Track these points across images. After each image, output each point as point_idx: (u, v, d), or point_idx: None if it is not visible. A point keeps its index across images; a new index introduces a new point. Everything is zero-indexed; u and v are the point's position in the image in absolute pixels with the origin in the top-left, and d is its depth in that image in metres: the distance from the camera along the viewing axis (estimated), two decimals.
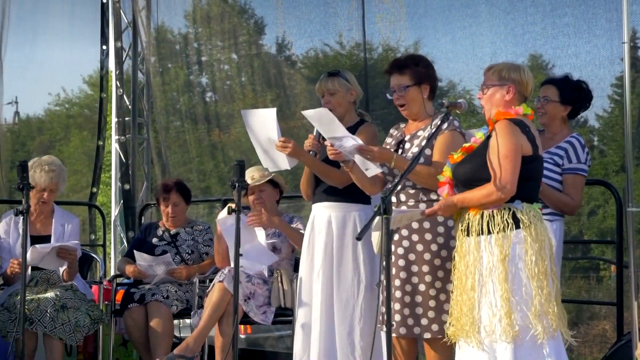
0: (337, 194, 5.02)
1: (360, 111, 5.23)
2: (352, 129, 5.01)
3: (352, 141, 4.49)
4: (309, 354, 5.06)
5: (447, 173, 4.30)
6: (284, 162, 4.99)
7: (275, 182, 5.99)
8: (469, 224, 4.17)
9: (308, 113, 4.66)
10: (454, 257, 4.27)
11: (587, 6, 6.51)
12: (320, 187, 5.11)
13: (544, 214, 4.43)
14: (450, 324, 4.26)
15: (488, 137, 4.19)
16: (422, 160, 4.47)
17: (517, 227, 4.08)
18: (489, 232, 4.10)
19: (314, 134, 4.95)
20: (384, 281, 4.41)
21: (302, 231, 5.78)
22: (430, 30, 7.46)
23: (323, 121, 4.59)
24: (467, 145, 4.30)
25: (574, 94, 5.05)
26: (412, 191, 4.57)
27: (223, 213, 5.65)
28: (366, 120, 5.17)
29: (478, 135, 4.28)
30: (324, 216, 5.08)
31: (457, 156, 4.27)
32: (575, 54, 6.58)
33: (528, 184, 4.15)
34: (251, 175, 5.94)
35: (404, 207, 4.55)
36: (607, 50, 6.41)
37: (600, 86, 6.54)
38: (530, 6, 6.88)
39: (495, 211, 4.11)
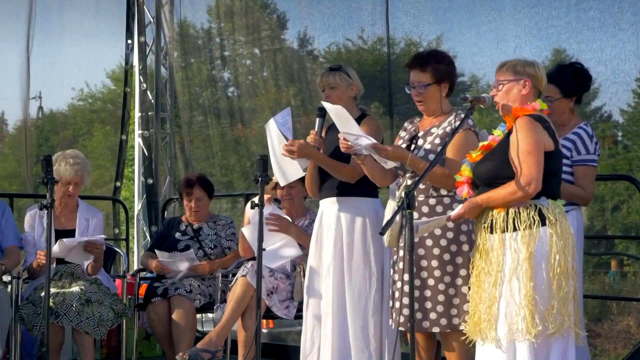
0: (344, 189, 5.01)
1: (361, 107, 5.22)
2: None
3: (366, 140, 4.51)
4: (318, 349, 5.05)
5: (465, 172, 4.26)
6: (295, 171, 5.01)
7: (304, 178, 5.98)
8: (492, 220, 4.13)
9: (327, 105, 4.67)
10: (475, 253, 4.25)
11: (612, 0, 6.46)
12: (327, 183, 5.09)
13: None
14: (466, 320, 4.26)
15: (508, 134, 4.16)
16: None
17: (543, 224, 4.05)
18: (515, 229, 4.07)
19: (315, 129, 4.95)
20: (399, 276, 4.43)
21: None
22: (455, 24, 7.44)
23: (340, 117, 4.60)
24: (485, 143, 4.25)
25: (574, 82, 4.97)
26: (422, 186, 4.57)
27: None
28: (367, 114, 5.16)
29: (496, 133, 4.24)
30: (332, 211, 5.06)
31: (476, 155, 4.23)
32: (600, 48, 6.53)
33: (551, 180, 4.12)
34: None
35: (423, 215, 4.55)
36: (633, 45, 6.36)
37: (625, 80, 6.50)
38: (554, 0, 6.84)
39: (521, 208, 4.08)
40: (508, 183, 4.05)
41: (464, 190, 4.25)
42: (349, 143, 4.56)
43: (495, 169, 4.14)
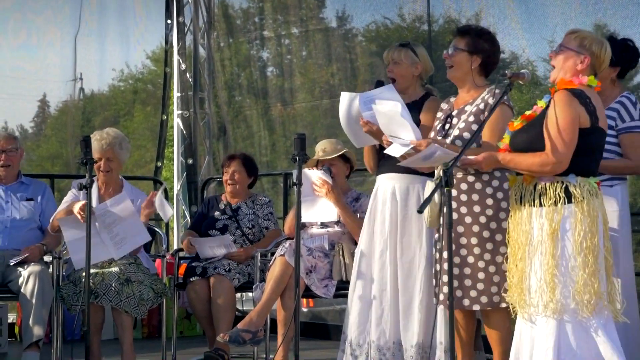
0: (398, 165, 4.98)
1: (428, 86, 5.20)
2: (417, 103, 5.04)
3: (407, 142, 4.53)
4: (368, 325, 5.04)
5: (506, 140, 4.26)
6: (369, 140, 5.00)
7: (347, 157, 5.97)
8: (522, 193, 4.13)
9: (378, 108, 4.65)
10: (509, 225, 4.24)
11: None
12: (385, 159, 5.07)
13: (605, 181, 4.35)
14: (506, 292, 4.27)
15: (547, 107, 4.12)
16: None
17: (569, 201, 4.03)
18: (541, 205, 4.05)
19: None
20: (439, 254, 4.41)
21: (362, 215, 5.78)
22: (495, 0, 7.36)
23: (389, 117, 4.58)
24: (528, 113, 4.23)
25: (622, 54, 4.87)
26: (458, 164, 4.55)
27: (312, 172, 5.72)
28: (433, 94, 5.12)
29: (540, 104, 4.21)
30: (388, 187, 5.08)
31: (517, 124, 4.22)
32: None
33: (584, 158, 4.08)
34: (323, 148, 5.94)
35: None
36: None
37: None
38: None
39: (547, 184, 4.06)
40: (537, 153, 4.03)
41: None
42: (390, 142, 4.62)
43: (529, 141, 4.12)
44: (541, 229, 4.04)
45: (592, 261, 3.99)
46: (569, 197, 4.03)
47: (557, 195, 4.03)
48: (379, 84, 5.01)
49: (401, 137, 4.57)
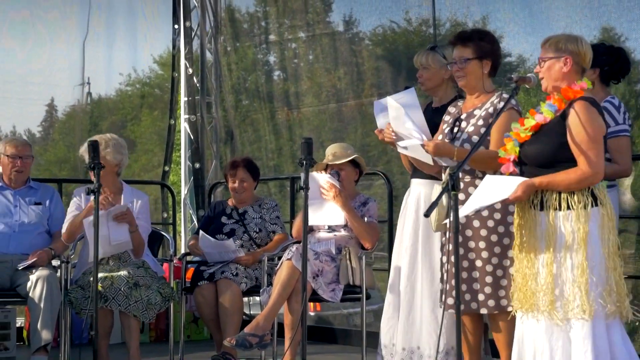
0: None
1: (460, 88, 5.18)
2: (448, 106, 5.01)
3: (416, 141, 4.53)
4: (396, 329, 5.08)
5: (512, 151, 4.22)
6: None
7: (356, 162, 5.97)
8: (542, 198, 4.11)
9: (391, 102, 4.65)
10: (520, 230, 4.21)
11: None
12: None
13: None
14: (513, 295, 4.25)
15: (562, 117, 4.11)
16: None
17: (596, 204, 4.07)
18: (568, 208, 4.06)
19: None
20: (446, 258, 4.41)
21: (369, 219, 5.78)
22: (501, 3, 7.36)
23: (398, 113, 4.59)
24: (533, 123, 4.19)
25: (601, 57, 4.87)
26: (467, 167, 4.57)
27: (320, 175, 5.73)
28: (464, 97, 5.10)
29: (545, 113, 4.18)
30: (415, 192, 5.11)
31: (525, 135, 4.19)
32: None
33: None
34: (333, 152, 5.94)
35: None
36: None
37: None
38: None
39: None
40: (572, 169, 4.04)
41: (509, 168, 4.22)
42: (391, 135, 4.60)
43: (551, 151, 4.11)
44: (571, 232, 4.04)
45: (617, 263, 4.06)
46: (595, 200, 4.08)
47: (586, 199, 4.06)
48: (407, 89, 5.00)
49: (407, 127, 4.58)
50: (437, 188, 4.53)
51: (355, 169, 5.99)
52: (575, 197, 4.06)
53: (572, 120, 4.06)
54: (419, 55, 5.17)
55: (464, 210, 4.22)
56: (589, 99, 4.10)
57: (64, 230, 5.89)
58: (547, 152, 4.12)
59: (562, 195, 4.08)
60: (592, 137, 4.03)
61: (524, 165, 4.22)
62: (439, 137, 4.76)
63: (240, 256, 6.12)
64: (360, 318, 5.88)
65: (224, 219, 6.40)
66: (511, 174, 4.20)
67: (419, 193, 5.07)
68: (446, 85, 5.14)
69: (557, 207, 4.08)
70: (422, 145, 4.60)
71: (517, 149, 4.21)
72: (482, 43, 4.64)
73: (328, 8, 8.97)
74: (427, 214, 4.13)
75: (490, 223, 4.50)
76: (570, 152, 4.06)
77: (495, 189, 4.13)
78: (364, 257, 5.72)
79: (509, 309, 4.38)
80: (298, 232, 5.97)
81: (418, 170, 5.08)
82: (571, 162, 4.07)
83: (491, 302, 4.48)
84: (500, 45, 4.86)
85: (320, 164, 5.88)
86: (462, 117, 4.69)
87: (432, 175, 4.92)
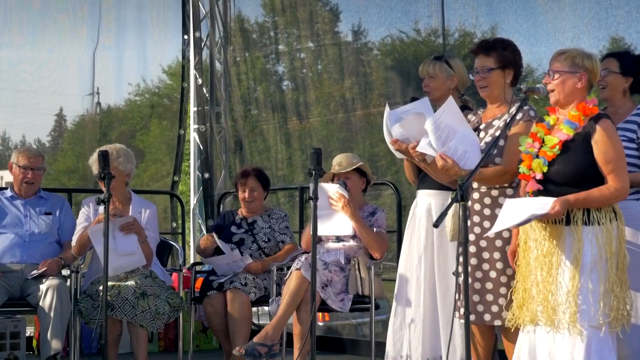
0: (437, 182, 4.94)
1: (465, 97, 5.18)
2: None
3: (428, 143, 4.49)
4: (406, 343, 5.04)
5: (538, 169, 4.19)
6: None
7: (363, 171, 5.98)
8: (569, 213, 4.11)
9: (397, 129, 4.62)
10: (540, 243, 4.19)
11: None
12: (424, 174, 5.03)
13: (631, 194, 4.39)
14: (516, 309, 4.26)
15: (586, 135, 4.12)
16: (495, 151, 4.44)
17: (616, 219, 4.12)
18: (592, 224, 4.09)
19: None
20: (461, 269, 4.40)
21: (377, 229, 5.78)
22: (510, 14, 7.38)
23: (413, 120, 4.57)
24: (556, 140, 4.18)
25: (635, 65, 4.90)
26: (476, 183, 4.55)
27: (329, 185, 5.74)
28: (469, 107, 5.10)
29: (566, 131, 4.17)
30: (424, 204, 5.07)
31: (552, 153, 4.17)
32: None
33: None
34: (339, 162, 5.97)
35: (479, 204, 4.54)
36: None
37: None
38: None
39: None
40: (604, 186, 4.09)
41: (534, 186, 4.21)
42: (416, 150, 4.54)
43: (582, 170, 4.13)
44: (598, 247, 4.07)
45: (626, 277, 4.14)
46: (615, 215, 4.14)
47: (611, 214, 4.12)
48: (414, 100, 4.99)
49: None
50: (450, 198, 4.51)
51: (361, 178, 6.00)
52: (603, 212, 4.10)
53: (600, 139, 4.09)
54: (425, 64, 5.15)
55: (495, 228, 4.22)
56: (609, 117, 4.16)
57: (73, 243, 5.91)
58: (578, 172, 4.13)
59: (591, 211, 4.10)
60: (619, 155, 4.10)
61: (547, 183, 4.19)
62: None
63: (249, 263, 6.14)
64: (369, 328, 5.89)
65: (233, 229, 6.41)
66: (535, 191, 4.19)
67: (429, 203, 5.04)
68: (452, 94, 5.12)
69: (586, 222, 4.10)
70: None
71: (546, 168, 4.20)
72: (505, 52, 4.61)
73: (336, 18, 9.00)
74: (436, 225, 4.11)
75: (506, 234, 4.47)
76: (597, 170, 4.10)
77: (522, 209, 4.11)
78: (372, 267, 5.73)
79: (508, 321, 4.35)
80: (307, 243, 5.97)
81: (425, 181, 5.06)
82: (598, 180, 4.11)
83: (505, 314, 4.44)
84: None
85: (327, 174, 5.89)
86: (481, 127, 4.66)
87: (442, 185, 4.90)
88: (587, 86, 4.20)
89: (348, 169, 5.93)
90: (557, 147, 4.17)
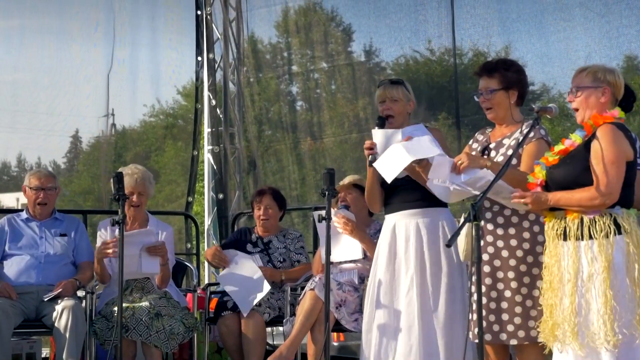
0: (420, 200, 4.96)
1: (414, 123, 5.17)
2: None
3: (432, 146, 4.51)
4: (390, 357, 5.00)
5: (540, 175, 4.23)
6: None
7: (363, 187, 5.99)
8: (565, 228, 4.10)
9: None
10: (545, 260, 4.20)
11: None
12: (397, 197, 5.05)
13: None
14: (541, 327, 4.22)
15: (589, 141, 4.12)
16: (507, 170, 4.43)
17: (619, 232, 4.04)
18: (590, 238, 4.04)
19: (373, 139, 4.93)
20: (473, 288, 4.39)
21: None
22: (523, 34, 7.41)
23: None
24: (562, 147, 4.22)
25: None
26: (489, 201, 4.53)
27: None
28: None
29: (574, 138, 4.19)
30: (410, 224, 5.01)
31: (553, 159, 4.20)
32: None
33: (628, 190, 4.11)
34: (342, 182, 6.00)
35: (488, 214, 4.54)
36: None
37: None
38: (625, 9, 6.81)
39: (596, 217, 4.06)
40: (586, 188, 4.03)
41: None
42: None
43: (575, 174, 4.11)
44: (594, 262, 4.02)
45: None
46: (618, 228, 4.04)
47: (608, 227, 4.03)
48: (380, 120, 5.00)
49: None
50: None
51: (362, 194, 6.01)
52: (597, 226, 4.04)
53: (595, 142, 4.07)
54: (386, 88, 5.10)
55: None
56: (616, 123, 4.10)
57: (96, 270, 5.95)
58: (571, 175, 4.12)
59: (585, 224, 4.05)
60: (611, 159, 4.01)
61: (549, 188, 4.20)
62: None
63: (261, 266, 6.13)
64: None
65: (249, 247, 6.42)
66: None
67: (416, 223, 4.97)
68: (408, 119, 5.13)
69: (580, 237, 4.06)
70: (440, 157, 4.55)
71: (545, 172, 4.21)
72: (508, 73, 4.62)
73: (349, 38, 9.04)
74: (449, 244, 4.13)
75: (519, 253, 4.46)
76: (590, 176, 4.05)
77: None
78: None
79: (539, 339, 4.34)
80: (317, 270, 5.96)
81: (398, 202, 5.03)
82: (590, 185, 4.05)
83: (521, 333, 4.43)
84: None
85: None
86: (491, 146, 4.67)
87: (424, 203, 4.91)
88: (611, 100, 4.17)
89: (346, 182, 5.97)
90: (557, 153, 4.19)
